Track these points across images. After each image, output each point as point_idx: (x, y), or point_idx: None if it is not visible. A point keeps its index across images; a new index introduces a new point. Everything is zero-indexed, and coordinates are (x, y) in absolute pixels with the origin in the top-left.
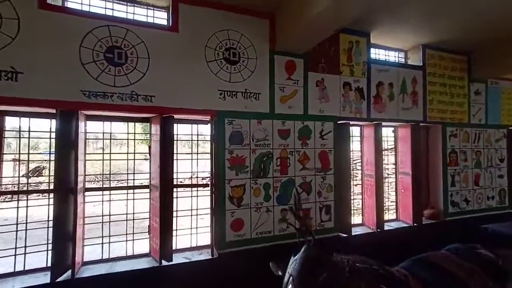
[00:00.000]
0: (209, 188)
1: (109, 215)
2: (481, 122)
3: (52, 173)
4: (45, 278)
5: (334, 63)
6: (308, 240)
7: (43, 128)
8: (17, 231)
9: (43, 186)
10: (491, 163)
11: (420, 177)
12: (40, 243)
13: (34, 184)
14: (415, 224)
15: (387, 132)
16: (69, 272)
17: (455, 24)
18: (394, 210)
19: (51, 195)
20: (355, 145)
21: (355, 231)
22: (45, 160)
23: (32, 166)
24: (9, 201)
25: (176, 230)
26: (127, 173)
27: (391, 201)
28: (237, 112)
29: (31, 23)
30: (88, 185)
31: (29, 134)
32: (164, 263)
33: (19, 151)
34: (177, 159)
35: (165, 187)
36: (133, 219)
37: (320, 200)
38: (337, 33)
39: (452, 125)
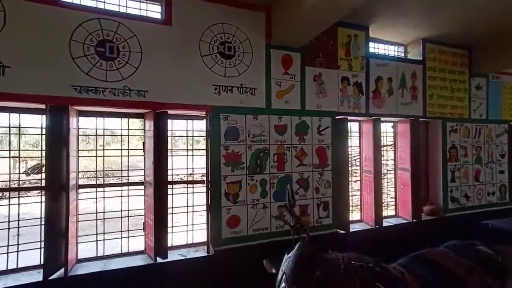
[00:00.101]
0: (204, 184)
1: (103, 212)
2: (482, 117)
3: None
4: (38, 276)
5: (332, 58)
6: (302, 237)
7: (36, 124)
8: (9, 228)
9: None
10: (491, 159)
11: (420, 173)
12: (35, 241)
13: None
14: (414, 220)
15: (386, 128)
16: (62, 270)
17: (456, 18)
18: (393, 206)
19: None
20: (353, 141)
21: (353, 227)
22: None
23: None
24: (4, 198)
25: (172, 227)
26: (121, 170)
27: (391, 197)
28: (232, 107)
29: (18, 16)
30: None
31: (19, 130)
32: (159, 260)
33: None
34: (172, 155)
35: (159, 184)
36: (128, 216)
37: (318, 197)
38: (335, 26)
39: (452, 120)
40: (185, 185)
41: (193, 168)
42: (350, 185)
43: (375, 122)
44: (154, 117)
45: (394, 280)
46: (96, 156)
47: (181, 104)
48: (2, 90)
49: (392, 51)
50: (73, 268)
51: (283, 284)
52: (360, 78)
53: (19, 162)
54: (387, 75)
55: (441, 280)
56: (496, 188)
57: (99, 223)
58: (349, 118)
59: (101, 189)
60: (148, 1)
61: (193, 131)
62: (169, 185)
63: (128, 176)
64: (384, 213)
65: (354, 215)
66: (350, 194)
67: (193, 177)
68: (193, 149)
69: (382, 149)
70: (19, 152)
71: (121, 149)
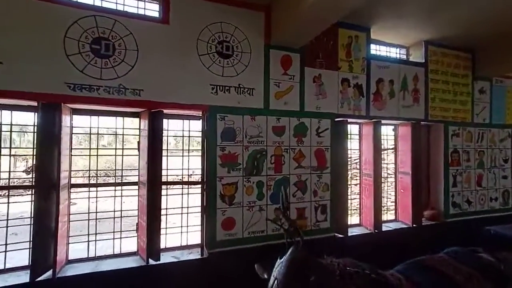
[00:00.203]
0: (199, 185)
1: (96, 212)
2: (485, 121)
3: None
4: (27, 277)
5: (332, 59)
6: (296, 241)
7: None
8: None
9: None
10: (494, 164)
11: (421, 177)
12: (26, 240)
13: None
14: (414, 225)
15: (387, 131)
16: (51, 271)
17: (459, 19)
18: (393, 211)
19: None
20: (353, 144)
21: (352, 231)
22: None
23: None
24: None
25: (166, 228)
26: (115, 169)
27: (391, 202)
28: (230, 107)
29: (10, 11)
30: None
31: (10, 127)
32: (151, 262)
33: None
34: (167, 156)
35: (153, 184)
36: (121, 217)
37: (316, 200)
38: (336, 27)
39: (455, 124)
40: (180, 186)
41: (188, 169)
42: (349, 188)
43: (375, 125)
44: (149, 117)
45: (390, 287)
46: (90, 155)
47: (177, 103)
48: None
49: (394, 53)
50: (63, 269)
51: None
52: (361, 80)
53: (10, 160)
54: (388, 77)
55: (439, 286)
56: (499, 193)
57: (94, 223)
58: (349, 120)
59: (94, 188)
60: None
61: (189, 131)
62: (163, 186)
63: (122, 176)
64: (384, 218)
65: (353, 219)
66: (349, 197)
67: (188, 177)
68: (189, 150)
69: (382, 152)
70: (10, 150)
71: (115, 148)
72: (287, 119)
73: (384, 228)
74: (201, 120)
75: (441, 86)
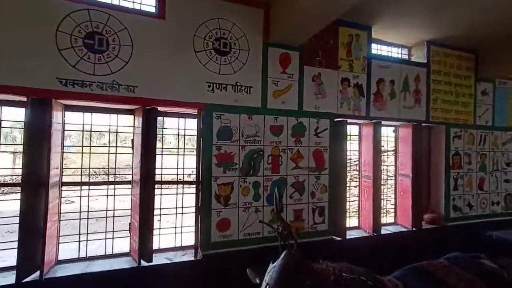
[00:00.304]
0: (194, 185)
1: (87, 211)
2: (487, 123)
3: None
4: (13, 278)
5: (332, 57)
6: (290, 245)
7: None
8: None
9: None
10: (497, 167)
11: (421, 179)
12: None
13: None
14: (414, 229)
15: (387, 132)
16: (38, 272)
17: (462, 19)
18: (393, 214)
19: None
20: (353, 145)
21: (350, 234)
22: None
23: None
24: None
25: (160, 229)
26: (108, 168)
27: (391, 204)
28: (226, 106)
29: (1, 3)
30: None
31: (0, 123)
32: (143, 263)
33: None
34: (162, 154)
35: (146, 183)
36: (113, 216)
37: (314, 201)
38: (336, 26)
39: (457, 126)
40: (175, 185)
41: (183, 168)
42: (348, 190)
43: (375, 126)
44: (143, 114)
45: None
46: (82, 153)
47: (172, 101)
48: None
49: (395, 53)
50: (52, 270)
51: None
52: (361, 79)
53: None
54: (389, 78)
55: None
56: (501, 197)
57: (86, 223)
58: (349, 120)
59: (86, 187)
60: None
61: (184, 129)
62: (157, 185)
63: (115, 174)
64: (383, 220)
65: (352, 222)
66: (348, 199)
67: (183, 177)
68: (184, 148)
69: (382, 154)
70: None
71: (109, 146)
72: (285, 119)
73: (383, 231)
74: (196, 118)
75: (443, 87)
